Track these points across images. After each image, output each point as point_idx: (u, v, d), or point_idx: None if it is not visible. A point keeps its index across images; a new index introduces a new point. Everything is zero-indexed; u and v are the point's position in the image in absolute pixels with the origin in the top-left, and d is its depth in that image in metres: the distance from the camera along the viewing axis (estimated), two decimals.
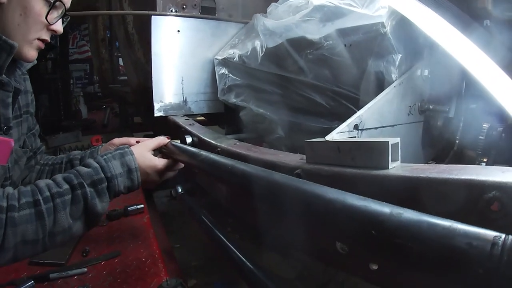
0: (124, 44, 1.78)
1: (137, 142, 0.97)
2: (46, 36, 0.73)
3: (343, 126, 0.57)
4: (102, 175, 0.70)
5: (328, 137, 0.53)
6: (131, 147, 0.80)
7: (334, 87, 0.86)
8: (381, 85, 0.76)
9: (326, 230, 0.42)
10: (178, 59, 1.37)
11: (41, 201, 0.62)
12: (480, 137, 0.68)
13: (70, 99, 4.17)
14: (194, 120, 1.27)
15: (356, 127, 0.62)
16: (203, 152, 0.76)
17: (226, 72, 1.26)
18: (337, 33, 0.79)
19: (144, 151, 0.81)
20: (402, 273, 0.35)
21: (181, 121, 1.24)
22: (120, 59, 3.65)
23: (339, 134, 0.56)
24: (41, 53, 0.75)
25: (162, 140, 0.87)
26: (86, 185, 0.67)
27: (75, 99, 4.25)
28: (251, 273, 0.72)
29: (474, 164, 0.69)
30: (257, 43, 1.03)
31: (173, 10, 1.41)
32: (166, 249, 1.17)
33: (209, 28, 1.44)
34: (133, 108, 2.50)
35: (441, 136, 0.80)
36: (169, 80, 1.36)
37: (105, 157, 0.74)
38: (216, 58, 1.36)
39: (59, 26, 0.75)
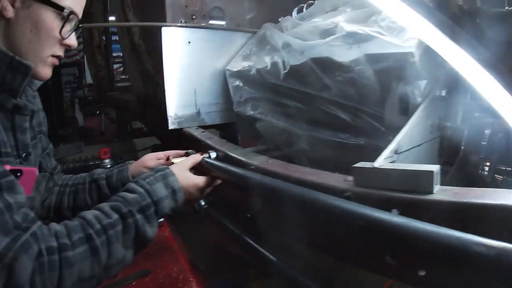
0: (129, 54, 1.76)
1: (167, 156, 0.98)
2: (60, 52, 0.69)
3: (387, 153, 0.61)
4: (149, 199, 0.69)
5: (376, 164, 0.57)
6: (170, 167, 0.79)
7: (359, 105, 0.88)
8: (405, 106, 0.81)
9: (392, 252, 0.45)
10: (190, 70, 1.36)
11: (94, 235, 0.59)
12: (483, 142, 0.76)
13: (63, 106, 4.09)
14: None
15: (396, 151, 0.65)
16: (240, 170, 0.78)
17: (241, 84, 1.26)
18: (366, 58, 0.81)
19: (183, 170, 0.80)
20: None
21: (199, 134, 1.24)
22: (116, 65, 3.62)
23: (384, 159, 0.59)
24: None
25: (196, 158, 0.87)
26: (135, 213, 0.66)
27: (65, 105, 4.18)
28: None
29: (478, 167, 0.78)
30: (278, 59, 1.04)
31: (183, 21, 1.40)
32: (191, 261, 1.17)
33: (218, 38, 1.44)
34: (137, 118, 2.47)
35: (450, 144, 0.86)
36: (182, 92, 1.36)
37: (147, 180, 0.72)
38: (228, 69, 1.37)
39: (73, 40, 0.70)
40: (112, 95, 2.96)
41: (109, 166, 1.78)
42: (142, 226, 0.66)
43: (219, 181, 0.86)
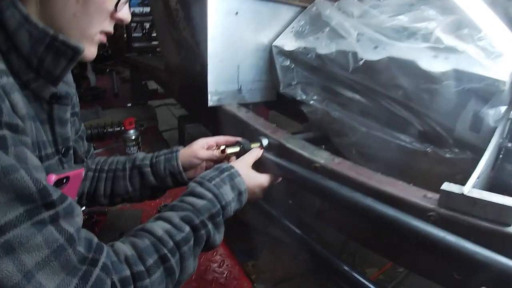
0: (162, 19, 1.64)
1: (218, 144, 0.91)
2: (110, 28, 0.58)
3: (475, 179, 0.59)
4: (219, 206, 0.64)
5: (465, 190, 0.56)
6: (234, 165, 0.73)
7: (431, 113, 0.83)
8: (479, 124, 0.78)
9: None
10: (235, 44, 1.26)
11: (168, 255, 0.53)
12: None
13: None
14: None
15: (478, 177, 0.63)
16: (306, 172, 0.73)
17: (293, 66, 1.18)
18: (455, 73, 0.76)
19: (247, 169, 0.76)
20: None
21: (243, 115, 1.17)
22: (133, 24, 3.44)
23: (468, 186, 0.57)
24: None
25: (257, 153, 0.81)
26: (207, 223, 0.61)
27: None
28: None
29: None
30: (347, 49, 0.94)
31: None
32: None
33: (265, 10, 1.32)
34: (162, 85, 2.36)
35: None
36: (225, 67, 1.27)
37: (214, 182, 0.67)
38: (276, 46, 1.27)
39: (126, 13, 0.59)
40: (130, 56, 2.83)
41: (133, 137, 1.71)
42: (213, 236, 0.62)
43: (280, 179, 0.81)
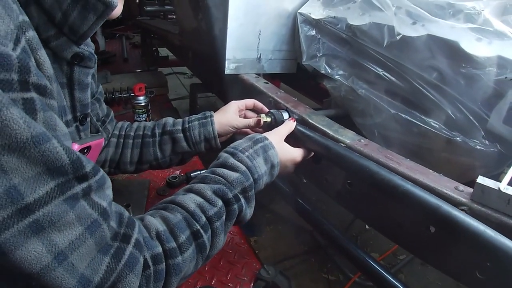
0: None
1: (246, 106, 0.90)
2: None
3: (510, 176, 0.56)
4: (251, 179, 0.61)
5: (502, 186, 0.53)
6: (267, 136, 0.69)
7: (467, 100, 0.77)
8: None
9: None
10: (258, 8, 1.17)
11: (201, 231, 0.51)
12: None
13: None
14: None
15: None
16: (343, 150, 0.69)
17: (319, 36, 1.10)
18: (499, 60, 0.69)
19: (281, 142, 0.72)
20: None
21: (262, 85, 1.10)
22: None
23: (504, 183, 0.55)
24: None
25: (291, 125, 0.77)
26: (240, 197, 0.58)
27: None
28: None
29: None
30: (382, 22, 0.86)
31: None
32: None
33: None
34: (174, 51, 2.27)
35: None
36: (246, 33, 1.18)
37: (247, 153, 0.63)
38: (301, 13, 1.18)
39: None
40: (142, 19, 2.72)
41: (143, 103, 1.66)
42: (244, 210, 0.59)
43: (312, 153, 0.77)
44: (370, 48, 0.92)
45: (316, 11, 1.12)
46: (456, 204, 0.57)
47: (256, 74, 1.25)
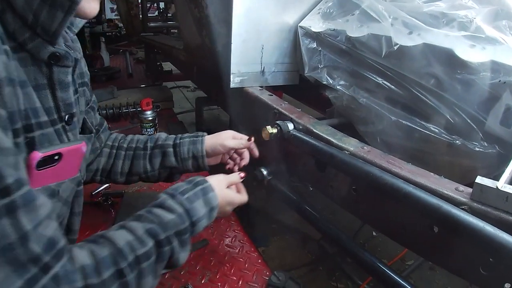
0: None
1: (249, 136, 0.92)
2: None
3: (507, 174, 0.59)
4: (188, 223, 0.60)
5: (499, 185, 0.55)
6: (208, 180, 0.70)
7: (464, 104, 0.80)
8: (510, 119, 0.75)
9: None
10: (260, 24, 1.22)
11: (127, 269, 0.49)
12: None
13: (85, 42, 3.89)
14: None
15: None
16: (347, 157, 0.72)
17: (320, 48, 1.14)
18: (493, 64, 0.72)
19: (222, 186, 0.73)
20: None
21: (266, 97, 1.15)
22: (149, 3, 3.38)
23: (502, 181, 0.57)
24: None
25: (236, 177, 0.80)
26: (172, 239, 0.57)
27: (86, 41, 3.98)
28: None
29: None
30: (380, 33, 0.90)
31: None
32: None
33: None
34: (179, 66, 2.33)
35: None
36: (249, 48, 1.23)
37: (187, 196, 0.63)
38: (302, 27, 1.23)
39: None
40: (146, 35, 2.79)
41: (150, 118, 1.70)
42: (176, 254, 0.58)
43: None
44: (369, 59, 0.96)
45: (316, 24, 1.17)
46: (456, 204, 0.59)
47: (260, 86, 1.29)
